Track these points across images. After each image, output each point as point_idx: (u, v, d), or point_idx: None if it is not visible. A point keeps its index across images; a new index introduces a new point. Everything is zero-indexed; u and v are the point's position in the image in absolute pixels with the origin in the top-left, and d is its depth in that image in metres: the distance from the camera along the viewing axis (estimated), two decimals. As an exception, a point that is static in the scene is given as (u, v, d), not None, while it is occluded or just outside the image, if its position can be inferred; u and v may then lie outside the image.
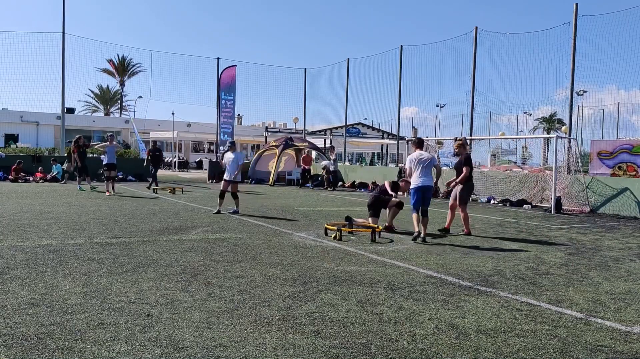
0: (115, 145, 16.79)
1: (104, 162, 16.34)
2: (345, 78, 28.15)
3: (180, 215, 11.14)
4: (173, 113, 45.66)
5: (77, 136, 17.97)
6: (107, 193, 15.48)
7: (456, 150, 10.12)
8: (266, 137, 41.57)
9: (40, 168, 21.49)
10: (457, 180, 9.53)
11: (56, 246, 7.13)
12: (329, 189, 21.80)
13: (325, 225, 9.13)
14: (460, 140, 10.08)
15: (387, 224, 9.68)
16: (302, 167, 23.38)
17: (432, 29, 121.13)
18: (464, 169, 9.48)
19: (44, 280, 5.28)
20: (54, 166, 21.52)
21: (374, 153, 59.05)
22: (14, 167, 20.66)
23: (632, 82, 19.58)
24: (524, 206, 15.90)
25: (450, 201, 9.78)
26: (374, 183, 21.97)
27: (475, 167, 19.87)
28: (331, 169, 22.11)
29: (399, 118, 26.00)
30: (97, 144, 18.34)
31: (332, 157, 22.51)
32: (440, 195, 19.10)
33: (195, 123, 48.96)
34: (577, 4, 16.60)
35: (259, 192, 18.63)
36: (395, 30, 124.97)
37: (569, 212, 14.64)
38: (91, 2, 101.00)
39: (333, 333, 3.98)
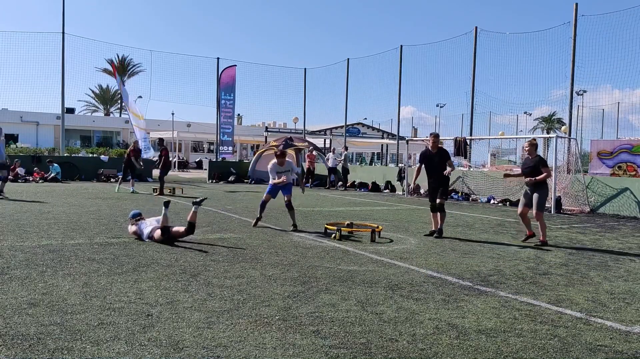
0: (2, 140, 14.22)
1: None
2: (345, 78, 28.18)
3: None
4: (173, 113, 45.74)
5: (135, 140, 18.69)
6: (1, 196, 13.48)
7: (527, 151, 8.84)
8: (266, 137, 41.56)
9: (35, 168, 21.47)
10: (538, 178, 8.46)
11: (56, 246, 7.13)
12: (340, 188, 22.15)
13: (325, 225, 9.13)
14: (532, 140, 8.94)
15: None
16: (307, 166, 23.53)
17: (432, 29, 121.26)
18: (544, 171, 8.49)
19: (44, 280, 5.28)
20: (50, 166, 21.51)
21: (374, 153, 59.09)
22: (12, 167, 20.67)
23: (633, 82, 19.59)
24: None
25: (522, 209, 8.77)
26: (373, 183, 22.06)
27: (476, 167, 19.93)
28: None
29: (398, 118, 26.03)
30: None
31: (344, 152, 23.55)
32: (411, 188, 18.60)
33: (195, 123, 48.96)
34: (577, 4, 16.61)
35: (259, 192, 18.62)
36: (395, 30, 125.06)
37: (569, 212, 14.64)
38: (91, 2, 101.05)
39: (333, 333, 3.98)
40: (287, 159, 9.57)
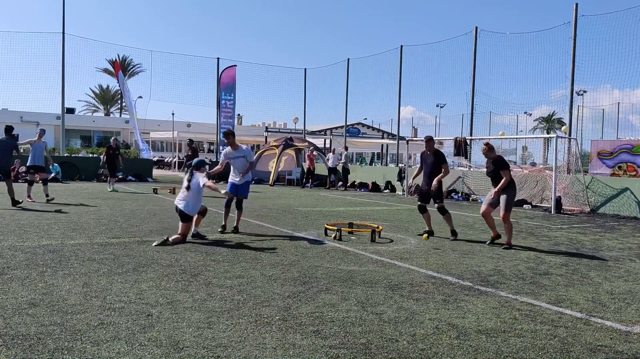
0: (44, 143, 13.84)
1: (28, 163, 13.63)
2: (345, 78, 28.17)
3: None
4: (173, 113, 45.80)
5: (113, 138, 18.46)
6: (29, 200, 12.72)
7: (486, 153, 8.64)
8: (266, 137, 41.58)
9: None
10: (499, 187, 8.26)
11: (56, 246, 7.13)
12: (340, 188, 22.17)
13: (325, 225, 9.13)
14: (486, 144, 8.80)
15: None
16: (307, 166, 23.46)
17: (432, 29, 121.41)
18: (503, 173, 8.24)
19: (44, 280, 5.28)
20: (50, 166, 21.49)
21: (374, 153, 59.11)
22: (12, 167, 20.66)
23: (633, 82, 19.61)
24: (524, 206, 15.89)
25: (484, 208, 8.65)
26: (373, 183, 22.07)
27: (476, 167, 19.93)
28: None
29: (399, 118, 26.01)
30: (24, 142, 13.84)
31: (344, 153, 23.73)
32: (410, 185, 18.58)
33: (195, 123, 48.95)
34: (577, 4, 16.61)
35: (259, 192, 18.61)
36: (395, 30, 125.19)
37: (569, 212, 14.64)
38: (91, 2, 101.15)
39: (333, 333, 3.98)
40: (241, 145, 9.00)
